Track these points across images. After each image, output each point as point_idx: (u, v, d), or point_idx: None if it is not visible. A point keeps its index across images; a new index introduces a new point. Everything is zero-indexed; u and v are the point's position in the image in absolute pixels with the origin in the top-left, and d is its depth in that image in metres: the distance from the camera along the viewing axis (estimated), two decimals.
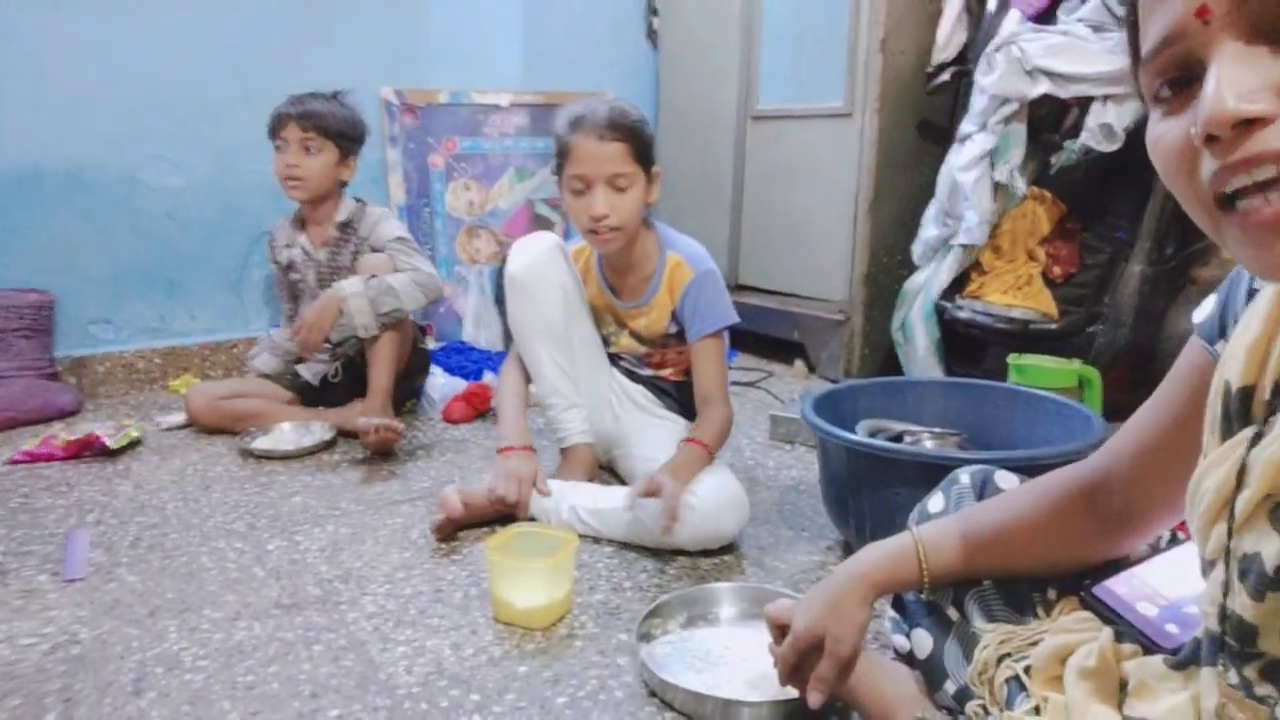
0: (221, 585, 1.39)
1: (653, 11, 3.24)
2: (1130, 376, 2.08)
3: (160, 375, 2.56)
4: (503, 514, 1.57)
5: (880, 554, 0.91)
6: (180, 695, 1.10)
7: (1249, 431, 0.60)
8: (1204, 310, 0.74)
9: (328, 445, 2.03)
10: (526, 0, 3.00)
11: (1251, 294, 0.67)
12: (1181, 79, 0.52)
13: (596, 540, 1.53)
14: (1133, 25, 0.58)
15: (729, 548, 1.50)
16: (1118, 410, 1.60)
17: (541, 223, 3.08)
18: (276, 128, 2.11)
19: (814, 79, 2.62)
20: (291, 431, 2.07)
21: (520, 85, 3.01)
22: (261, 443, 2.02)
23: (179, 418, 2.18)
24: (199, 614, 1.29)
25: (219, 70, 2.53)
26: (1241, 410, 0.62)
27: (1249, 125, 0.47)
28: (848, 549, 1.50)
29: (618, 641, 1.22)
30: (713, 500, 1.46)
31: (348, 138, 2.16)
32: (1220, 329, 0.71)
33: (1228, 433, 0.63)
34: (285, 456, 1.96)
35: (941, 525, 0.91)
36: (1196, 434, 0.68)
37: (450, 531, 1.55)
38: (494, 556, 1.26)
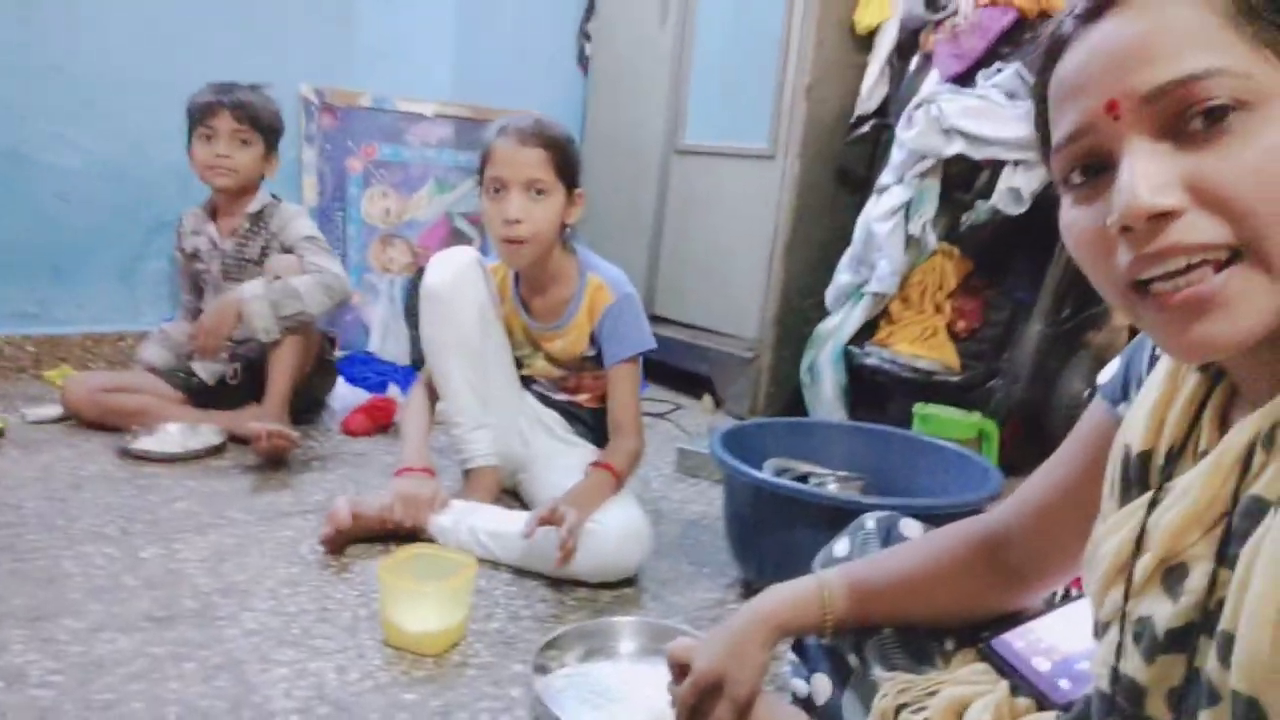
0: (85, 593, 1.29)
1: (586, 38, 3.25)
2: (1023, 433, 2.16)
3: (32, 364, 2.39)
4: (396, 531, 1.52)
5: (783, 596, 0.91)
6: (23, 714, 1.00)
7: (1147, 496, 0.62)
8: (1109, 372, 0.76)
9: (217, 450, 1.93)
10: (461, 13, 2.96)
11: (1154, 359, 0.70)
12: (1092, 166, 0.55)
13: (495, 566, 1.48)
14: (1041, 114, 0.60)
15: (629, 581, 1.48)
16: (1009, 466, 1.65)
17: (459, 237, 3.02)
18: (204, 115, 2.01)
19: (740, 119, 2.65)
20: (178, 433, 1.95)
21: (447, 97, 2.97)
22: (144, 443, 1.90)
23: (52, 410, 2.04)
24: (55, 623, 1.20)
25: (134, 50, 2.41)
26: (1140, 474, 0.64)
27: (1162, 218, 0.51)
28: (748, 587, 1.50)
29: (512, 672, 1.18)
30: (616, 530, 1.44)
31: (275, 132, 2.10)
32: (1123, 391, 0.73)
33: (1126, 496, 0.65)
34: (169, 459, 1.85)
35: (846, 570, 0.91)
36: (1096, 493, 0.69)
37: (340, 544, 1.49)
38: (387, 578, 1.21)
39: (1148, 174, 0.51)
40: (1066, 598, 0.91)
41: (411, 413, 1.71)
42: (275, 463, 1.87)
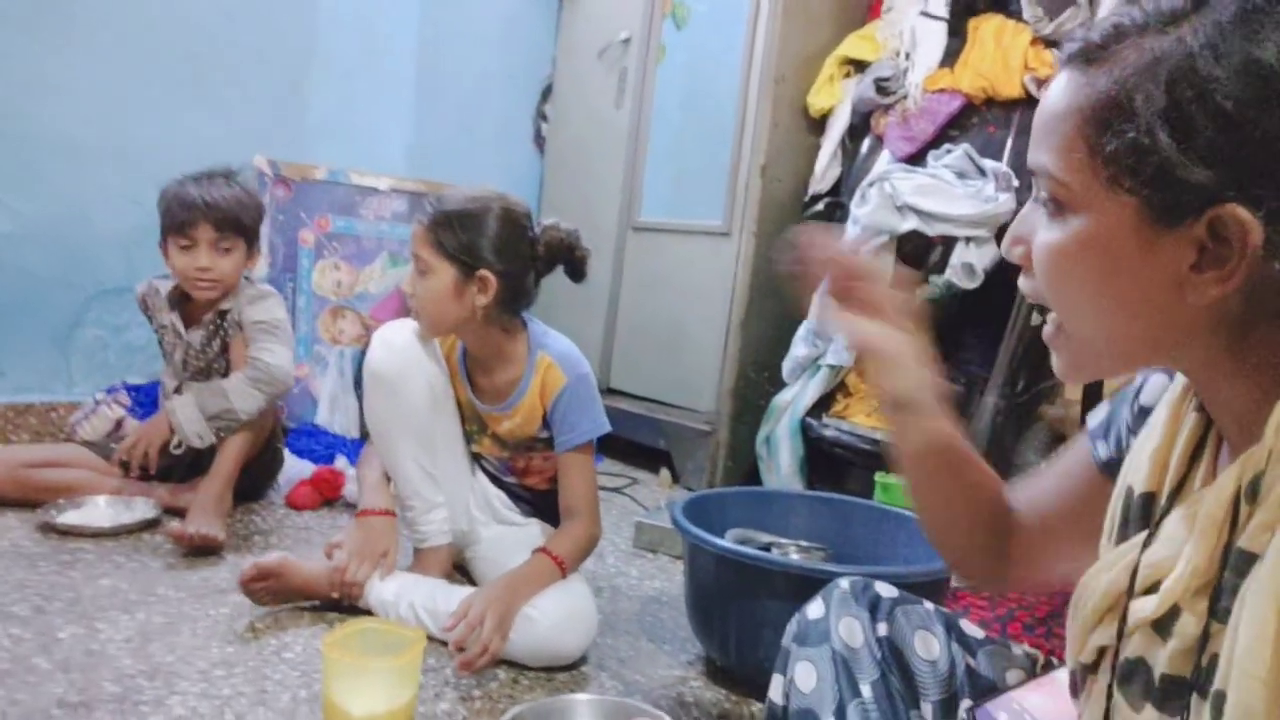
0: None
1: (542, 118, 3.30)
2: None
3: None
4: (331, 589, 1.46)
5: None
6: None
7: (1142, 536, 0.61)
8: (1097, 415, 0.78)
9: (150, 524, 1.82)
10: (418, 89, 2.99)
11: (1140, 410, 0.71)
12: None
13: (444, 642, 1.40)
14: None
15: (584, 659, 1.41)
16: None
17: (411, 314, 2.98)
18: (185, 225, 1.88)
19: (695, 197, 2.69)
20: (108, 506, 1.85)
21: (403, 172, 2.97)
22: (69, 517, 1.78)
23: None
24: None
25: (80, 116, 2.36)
26: (1141, 515, 0.63)
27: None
28: (709, 664, 1.44)
29: None
30: (554, 614, 1.37)
31: (257, 229, 1.99)
32: (1105, 433, 0.75)
33: (1124, 536, 0.64)
34: (97, 534, 1.74)
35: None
36: (1064, 520, 0.78)
37: (259, 589, 1.44)
38: (331, 653, 1.13)
39: (1011, 228, 0.63)
40: (1049, 666, 0.89)
41: (366, 468, 1.63)
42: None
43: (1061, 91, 0.56)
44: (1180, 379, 0.65)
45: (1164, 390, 0.67)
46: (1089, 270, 0.55)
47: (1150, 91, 0.51)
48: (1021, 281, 0.62)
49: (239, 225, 1.92)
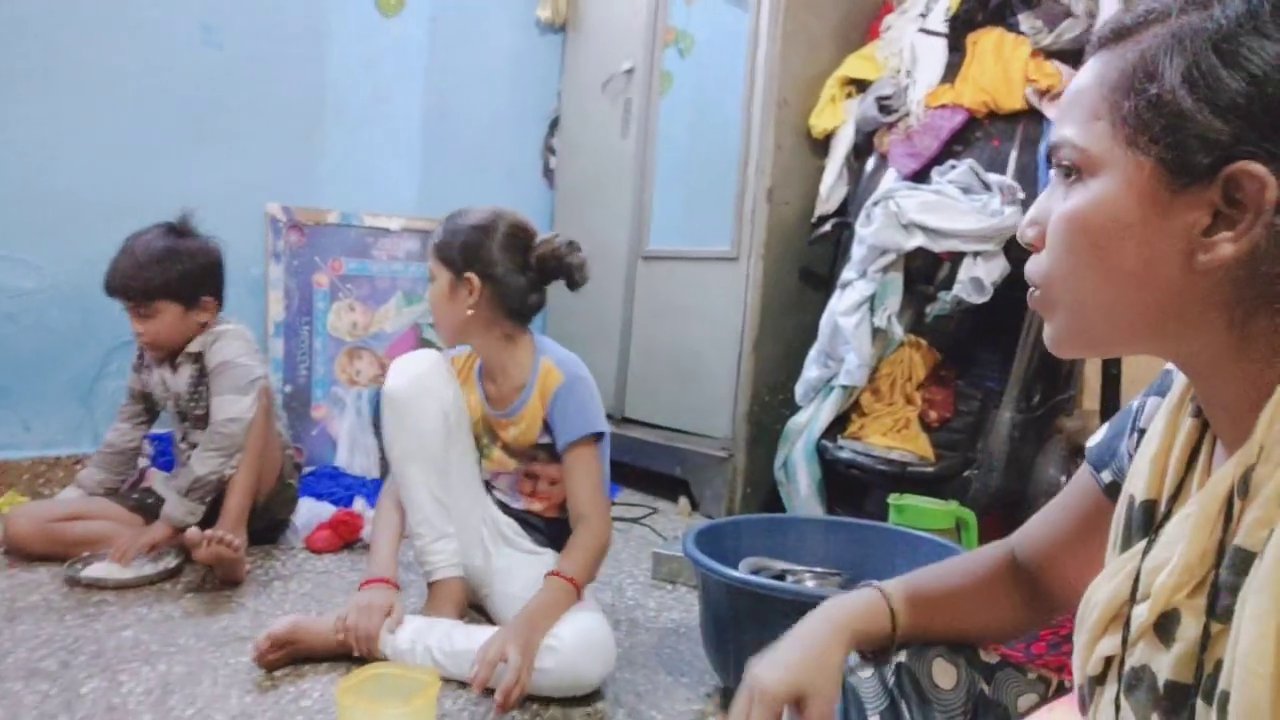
0: None
1: (550, 152, 3.33)
2: (1003, 523, 2.13)
3: None
4: (347, 648, 1.45)
5: (853, 602, 0.85)
6: None
7: (1144, 543, 0.61)
8: (1096, 437, 0.77)
9: (172, 574, 1.84)
10: (427, 130, 3.03)
11: (1142, 433, 0.70)
12: None
13: (462, 683, 1.40)
14: None
15: (599, 694, 1.40)
16: None
17: (427, 347, 3.01)
18: (110, 293, 1.95)
19: (703, 223, 2.70)
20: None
21: (414, 211, 3.00)
22: (93, 570, 1.80)
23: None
24: None
25: (97, 173, 2.42)
26: (1144, 523, 0.63)
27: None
28: (727, 696, 1.43)
29: None
30: (574, 644, 1.37)
31: (189, 286, 1.96)
32: (1106, 457, 0.74)
33: (1127, 545, 0.64)
34: (120, 585, 1.77)
35: (901, 582, 0.87)
36: (1087, 548, 0.75)
37: (276, 659, 1.43)
38: (344, 699, 1.13)
39: (1032, 209, 0.62)
40: (1061, 689, 0.87)
41: (380, 525, 1.66)
42: (229, 581, 1.79)
43: (1089, 70, 0.58)
44: (1177, 386, 0.64)
45: None
46: (1102, 234, 0.55)
47: (1175, 54, 0.52)
48: (1029, 264, 0.62)
49: (150, 293, 1.92)
